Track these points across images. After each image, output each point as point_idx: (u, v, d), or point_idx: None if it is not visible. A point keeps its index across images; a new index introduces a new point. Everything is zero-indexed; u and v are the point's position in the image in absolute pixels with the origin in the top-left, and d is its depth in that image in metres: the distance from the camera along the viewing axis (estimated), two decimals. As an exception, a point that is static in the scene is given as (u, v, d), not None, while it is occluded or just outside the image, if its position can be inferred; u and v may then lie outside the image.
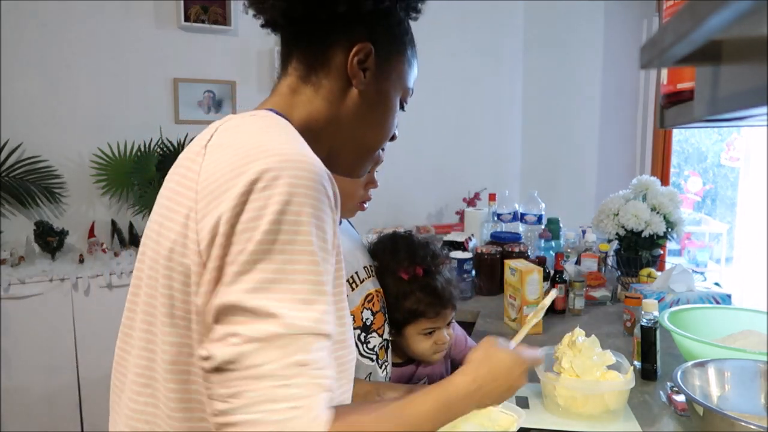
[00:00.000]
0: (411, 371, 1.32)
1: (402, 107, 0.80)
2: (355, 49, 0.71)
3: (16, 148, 2.61)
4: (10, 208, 2.65)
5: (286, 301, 0.56)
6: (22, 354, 2.34)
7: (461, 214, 3.08)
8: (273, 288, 0.56)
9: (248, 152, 0.60)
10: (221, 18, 2.95)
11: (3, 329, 2.30)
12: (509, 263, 1.76)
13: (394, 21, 0.75)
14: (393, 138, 0.81)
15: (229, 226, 0.57)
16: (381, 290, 1.21)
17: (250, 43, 3.02)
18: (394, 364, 1.30)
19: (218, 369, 0.55)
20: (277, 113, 0.70)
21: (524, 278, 1.66)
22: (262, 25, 0.75)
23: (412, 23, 0.80)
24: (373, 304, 1.16)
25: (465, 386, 0.73)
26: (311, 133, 0.72)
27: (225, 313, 0.56)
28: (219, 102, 3.06)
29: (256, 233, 0.56)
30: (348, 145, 0.77)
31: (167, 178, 0.71)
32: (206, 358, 0.57)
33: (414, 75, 0.80)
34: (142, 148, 2.81)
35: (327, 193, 0.60)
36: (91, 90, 2.75)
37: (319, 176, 0.60)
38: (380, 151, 0.81)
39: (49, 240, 2.56)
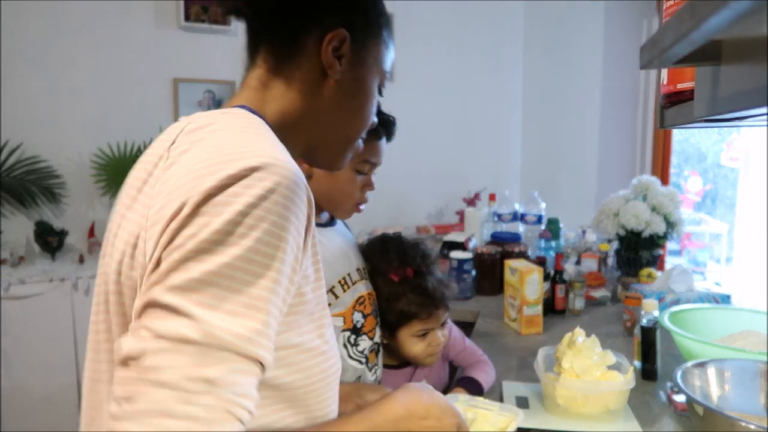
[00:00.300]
0: (409, 373, 1.31)
1: (380, 92, 0.75)
2: (328, 37, 0.66)
3: (16, 148, 2.61)
4: (10, 208, 2.65)
5: (211, 308, 0.48)
6: (22, 354, 2.34)
7: (461, 214, 3.08)
8: (200, 290, 0.49)
9: (224, 151, 0.53)
10: (221, 18, 2.95)
11: (3, 329, 2.30)
12: (509, 263, 1.76)
13: (369, 2, 0.70)
14: (372, 126, 0.77)
15: (191, 211, 0.51)
16: (374, 293, 1.20)
17: (250, 43, 3.02)
18: (390, 366, 1.30)
19: (122, 362, 0.49)
20: (250, 110, 0.64)
21: (524, 278, 1.66)
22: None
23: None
24: (364, 307, 1.15)
25: (394, 412, 0.67)
26: (287, 128, 0.67)
27: (144, 309, 0.50)
28: (219, 102, 3.06)
29: (211, 226, 0.50)
30: (327, 138, 0.72)
31: (126, 183, 0.64)
32: (117, 350, 0.50)
33: (391, 57, 0.75)
34: (142, 148, 2.81)
35: (302, 203, 0.55)
36: (91, 90, 2.75)
37: (297, 185, 0.54)
38: (360, 142, 0.76)
39: (49, 240, 2.56)
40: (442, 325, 1.26)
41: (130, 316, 0.54)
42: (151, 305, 0.50)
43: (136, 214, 0.56)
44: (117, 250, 0.57)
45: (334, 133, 0.72)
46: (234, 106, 0.65)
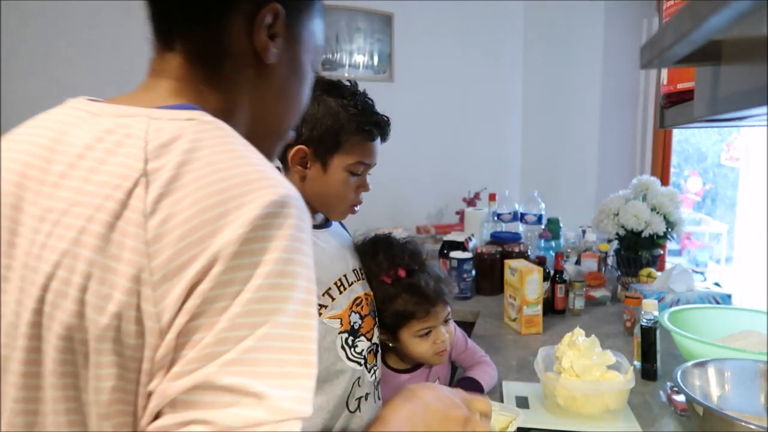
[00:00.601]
0: (424, 374, 1.30)
1: (314, 70, 0.66)
2: (261, 15, 0.55)
3: (16, 148, 2.62)
4: (10, 208, 2.65)
5: (271, 376, 0.43)
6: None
7: (461, 214, 3.08)
8: (258, 360, 0.42)
9: (231, 182, 0.45)
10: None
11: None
12: (509, 263, 1.76)
13: None
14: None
15: (225, 266, 0.43)
16: (371, 293, 1.18)
17: (250, 43, 3.02)
18: (403, 371, 1.28)
19: None
20: (199, 109, 0.53)
21: (524, 278, 1.66)
22: None
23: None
24: (361, 308, 1.13)
25: (400, 414, 0.71)
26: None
27: (189, 392, 0.42)
28: (219, 102, 3.06)
29: (256, 281, 0.43)
30: (263, 131, 0.62)
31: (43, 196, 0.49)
32: None
33: (323, 28, 0.65)
34: (142, 148, 2.80)
35: (310, 230, 0.50)
36: (91, 90, 2.72)
37: (306, 212, 0.49)
38: (292, 132, 0.68)
39: (49, 240, 2.56)
40: (446, 321, 1.24)
41: (129, 390, 0.45)
42: (203, 388, 0.41)
43: (124, 264, 0.44)
44: (102, 312, 0.44)
45: (270, 125, 0.63)
46: (177, 106, 0.53)
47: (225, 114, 0.56)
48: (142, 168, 0.46)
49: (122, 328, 0.44)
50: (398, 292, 1.18)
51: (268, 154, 0.63)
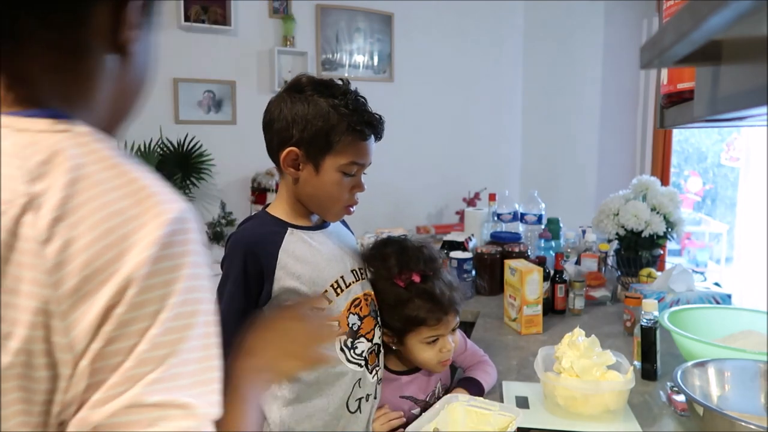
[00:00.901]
0: (424, 377, 1.28)
1: None
2: (128, 6, 0.51)
3: (16, 148, 2.62)
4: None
5: (192, 386, 0.44)
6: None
7: (461, 214, 3.08)
8: (180, 373, 0.43)
9: (129, 201, 0.44)
10: (221, 18, 2.95)
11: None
12: (509, 263, 1.76)
13: None
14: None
15: (140, 288, 0.42)
16: (372, 293, 1.17)
17: (250, 43, 3.02)
18: (402, 372, 1.27)
19: None
20: (65, 116, 0.48)
21: (524, 278, 1.66)
22: None
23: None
24: (360, 309, 1.12)
25: (247, 365, 0.69)
26: (91, 124, 0.50)
27: (112, 418, 0.41)
28: (219, 102, 3.06)
29: (171, 299, 0.44)
30: (117, 119, 0.58)
31: None
32: None
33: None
34: (142, 148, 2.81)
35: None
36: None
37: (198, 222, 0.49)
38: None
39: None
40: (453, 330, 1.21)
41: (38, 422, 0.43)
42: (131, 407, 0.41)
43: (24, 298, 0.41)
44: (5, 351, 0.41)
45: (124, 113, 0.59)
46: (40, 112, 0.47)
47: (84, 109, 0.52)
48: (25, 191, 0.42)
49: (29, 363, 0.41)
50: (411, 296, 1.15)
51: (117, 138, 0.60)
